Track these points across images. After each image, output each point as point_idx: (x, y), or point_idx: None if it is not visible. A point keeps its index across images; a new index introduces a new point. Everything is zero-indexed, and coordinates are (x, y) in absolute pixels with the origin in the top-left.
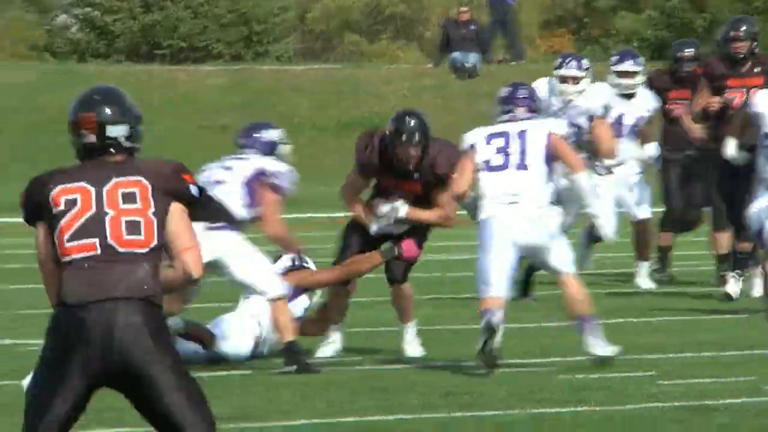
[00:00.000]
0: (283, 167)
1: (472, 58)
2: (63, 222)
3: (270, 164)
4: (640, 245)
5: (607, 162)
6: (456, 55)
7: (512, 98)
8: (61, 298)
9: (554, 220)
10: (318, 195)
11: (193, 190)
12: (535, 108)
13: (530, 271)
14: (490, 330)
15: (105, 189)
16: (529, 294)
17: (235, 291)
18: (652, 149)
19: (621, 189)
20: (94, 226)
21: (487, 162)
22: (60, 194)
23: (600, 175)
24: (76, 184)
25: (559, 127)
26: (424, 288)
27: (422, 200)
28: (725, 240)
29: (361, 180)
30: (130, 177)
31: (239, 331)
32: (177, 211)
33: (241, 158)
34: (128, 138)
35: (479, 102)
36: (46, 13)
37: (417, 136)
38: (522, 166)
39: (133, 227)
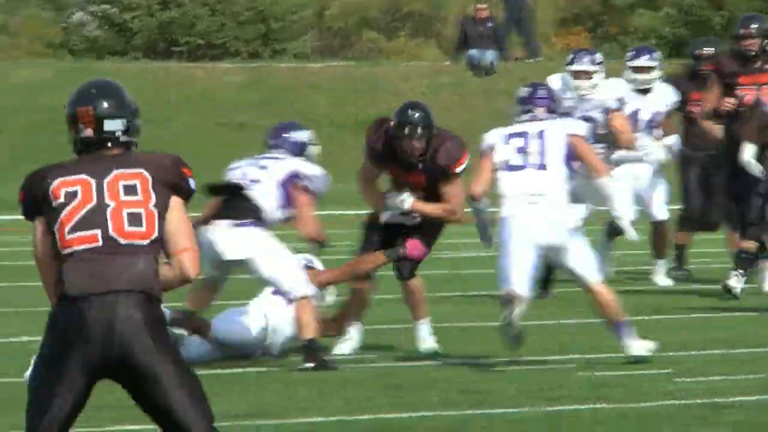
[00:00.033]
0: (317, 170)
1: (489, 56)
2: (63, 214)
3: (304, 167)
4: (657, 244)
5: (627, 153)
6: (473, 52)
7: (532, 98)
8: (62, 291)
9: (573, 219)
10: (336, 192)
11: (192, 183)
12: (554, 108)
13: (550, 268)
14: (510, 301)
15: (106, 181)
16: (548, 291)
17: (246, 288)
18: (672, 139)
19: (639, 185)
20: (95, 218)
21: (506, 162)
22: (60, 187)
23: (617, 166)
24: (75, 177)
25: (579, 127)
26: (431, 285)
27: (433, 195)
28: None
29: (371, 166)
30: (130, 169)
31: (244, 321)
32: (177, 208)
33: (276, 158)
34: (125, 132)
35: (496, 99)
36: (62, 11)
37: (419, 129)
38: (541, 166)
39: (135, 219)
